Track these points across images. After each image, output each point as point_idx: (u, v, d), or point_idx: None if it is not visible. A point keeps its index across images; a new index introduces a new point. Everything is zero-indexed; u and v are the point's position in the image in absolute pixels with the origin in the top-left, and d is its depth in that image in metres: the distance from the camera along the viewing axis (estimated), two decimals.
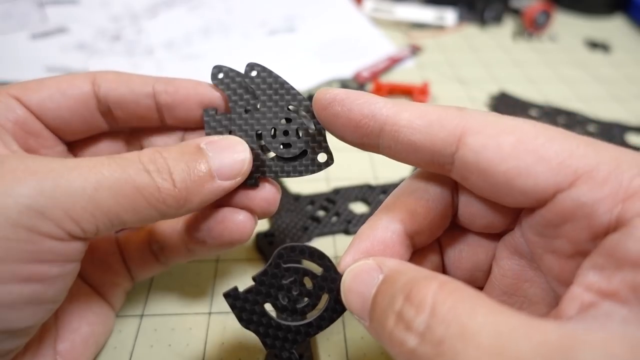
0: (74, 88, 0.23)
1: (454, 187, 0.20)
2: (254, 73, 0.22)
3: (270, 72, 0.22)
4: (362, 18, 0.65)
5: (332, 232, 0.34)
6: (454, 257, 0.22)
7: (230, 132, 0.23)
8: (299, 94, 0.22)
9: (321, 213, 0.35)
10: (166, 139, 0.25)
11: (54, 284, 0.18)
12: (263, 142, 0.23)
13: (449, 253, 0.22)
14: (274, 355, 0.21)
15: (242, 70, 0.23)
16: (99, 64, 0.52)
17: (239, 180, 0.22)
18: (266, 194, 0.23)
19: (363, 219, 0.34)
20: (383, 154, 0.20)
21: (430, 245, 0.21)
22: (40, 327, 0.21)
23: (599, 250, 0.15)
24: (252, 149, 0.22)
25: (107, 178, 0.18)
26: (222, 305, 0.29)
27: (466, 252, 0.21)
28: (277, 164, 0.23)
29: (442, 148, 0.17)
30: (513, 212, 0.19)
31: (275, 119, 0.22)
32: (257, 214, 0.23)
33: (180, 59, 0.54)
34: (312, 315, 0.20)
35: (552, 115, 0.48)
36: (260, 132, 0.23)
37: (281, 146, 0.23)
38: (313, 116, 0.22)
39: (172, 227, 0.26)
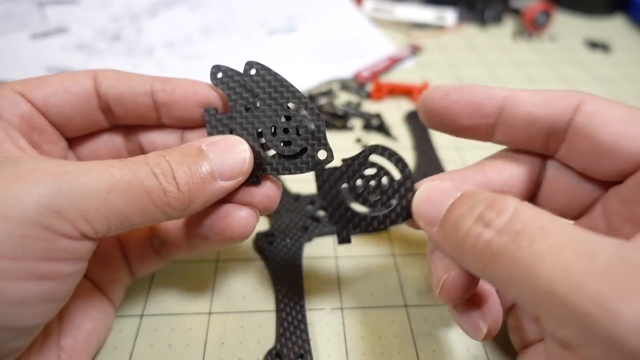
0: (77, 85, 0.23)
1: (541, 166, 0.23)
2: (253, 71, 0.23)
3: (269, 70, 0.23)
4: (362, 18, 0.65)
5: (332, 232, 0.34)
6: None
7: (231, 131, 0.23)
8: (297, 91, 0.22)
9: (321, 213, 0.35)
10: (165, 136, 0.25)
11: (65, 282, 0.19)
12: (264, 140, 0.23)
13: None
14: (337, 231, 0.24)
15: (242, 70, 0.23)
16: (99, 64, 0.52)
17: (241, 179, 0.22)
18: (267, 190, 0.23)
19: None
20: (493, 139, 0.23)
21: None
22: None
23: None
24: (253, 147, 0.23)
25: (119, 181, 0.19)
26: (222, 305, 0.29)
27: None
28: (278, 161, 0.23)
29: (559, 117, 0.20)
30: (597, 189, 0.22)
31: (275, 117, 0.23)
32: (259, 210, 0.24)
33: (180, 59, 0.54)
34: (377, 211, 0.23)
35: None
36: (260, 130, 0.23)
37: (281, 144, 0.23)
38: (312, 113, 0.22)
39: (173, 222, 0.26)
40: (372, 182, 0.23)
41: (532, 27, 0.66)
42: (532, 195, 0.23)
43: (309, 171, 0.23)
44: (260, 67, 0.22)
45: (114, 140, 0.26)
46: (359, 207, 0.23)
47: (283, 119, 0.23)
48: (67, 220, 0.18)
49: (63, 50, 0.53)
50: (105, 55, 0.53)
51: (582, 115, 0.20)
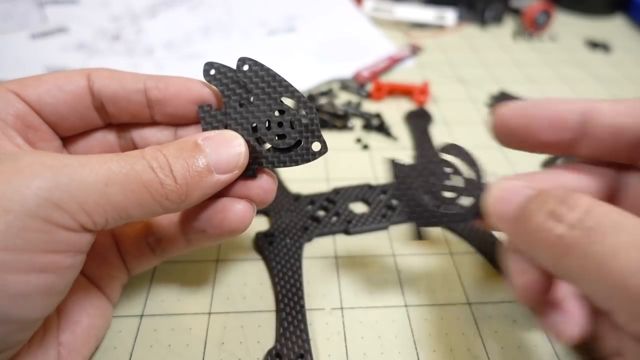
0: (71, 84, 0.23)
1: (617, 176, 0.23)
2: (245, 67, 0.23)
3: (262, 66, 0.23)
4: (362, 18, 0.65)
5: (332, 232, 0.33)
6: None
7: (226, 127, 0.23)
8: (290, 85, 0.23)
9: (321, 213, 0.35)
10: (158, 133, 0.25)
11: (65, 275, 0.19)
12: (259, 134, 0.23)
13: None
14: (416, 226, 0.24)
15: (234, 66, 0.23)
16: (99, 63, 0.52)
17: (237, 173, 0.22)
18: (264, 183, 0.24)
19: (363, 219, 0.34)
20: (576, 152, 0.22)
21: None
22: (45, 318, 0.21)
23: None
24: (248, 141, 0.23)
25: (117, 174, 0.19)
26: (222, 305, 0.29)
27: None
28: (273, 154, 0.23)
29: None
30: None
31: (269, 111, 0.23)
32: (256, 203, 0.24)
33: (180, 59, 0.54)
34: (449, 209, 0.24)
35: None
36: (255, 124, 0.23)
37: (276, 137, 0.23)
38: (305, 106, 0.23)
39: (168, 218, 0.26)
40: (447, 181, 0.24)
41: (532, 27, 0.66)
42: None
43: (304, 163, 0.23)
44: (253, 63, 0.23)
45: (108, 138, 0.26)
46: (432, 204, 0.24)
47: (277, 113, 0.23)
48: (66, 213, 0.18)
49: (63, 50, 0.53)
50: (105, 55, 0.53)
51: None
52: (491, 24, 0.69)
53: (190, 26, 0.60)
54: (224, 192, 0.23)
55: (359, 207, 0.36)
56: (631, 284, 0.15)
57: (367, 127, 0.45)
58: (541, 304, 0.21)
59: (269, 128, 0.23)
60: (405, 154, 0.42)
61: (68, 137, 0.25)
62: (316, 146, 0.23)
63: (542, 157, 0.41)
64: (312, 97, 0.49)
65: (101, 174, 0.19)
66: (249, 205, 0.24)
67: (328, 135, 0.23)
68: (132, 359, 0.25)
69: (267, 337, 0.27)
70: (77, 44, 0.54)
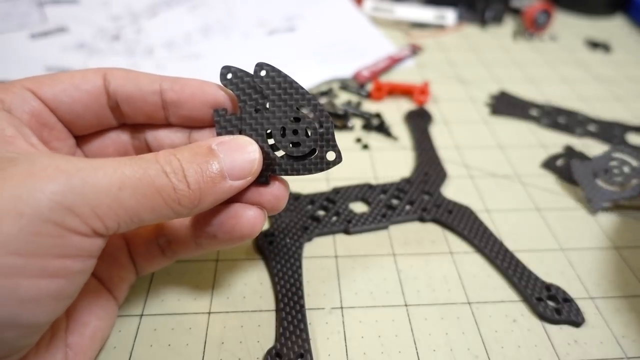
0: (87, 83, 0.23)
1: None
2: (263, 73, 0.23)
3: (279, 72, 0.23)
4: (362, 18, 0.65)
5: (332, 232, 0.33)
6: None
7: (240, 132, 0.23)
8: (307, 93, 0.23)
9: (321, 213, 0.35)
10: (172, 135, 0.25)
11: (75, 280, 0.19)
12: (273, 141, 0.23)
13: None
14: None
15: (251, 71, 0.23)
16: (99, 63, 0.52)
17: (250, 179, 0.22)
18: (276, 190, 0.24)
19: (363, 218, 0.34)
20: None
21: None
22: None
23: None
24: (262, 147, 0.23)
25: (130, 178, 0.19)
26: (222, 304, 0.29)
27: None
28: (287, 162, 0.23)
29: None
30: None
31: (285, 118, 0.23)
32: (267, 210, 0.24)
33: (180, 59, 0.54)
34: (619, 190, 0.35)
35: (553, 115, 0.48)
36: (270, 131, 0.23)
37: (290, 145, 0.23)
38: (322, 115, 0.22)
39: (180, 221, 0.26)
40: (615, 170, 0.36)
41: (533, 27, 0.66)
42: None
43: (317, 172, 0.23)
44: (270, 69, 0.23)
45: (121, 139, 0.26)
46: (600, 184, 0.36)
47: (292, 121, 0.23)
48: (78, 217, 0.18)
49: (62, 50, 0.53)
50: (104, 55, 0.53)
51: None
52: (491, 24, 0.69)
53: (190, 26, 0.60)
54: (236, 197, 0.23)
55: (359, 207, 0.36)
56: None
57: (367, 127, 0.45)
58: None
59: (283, 135, 0.23)
60: (406, 153, 0.42)
61: (82, 136, 0.25)
62: (331, 155, 0.23)
63: (542, 157, 0.41)
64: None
65: (115, 178, 0.18)
66: (261, 211, 0.24)
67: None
68: (131, 358, 0.25)
69: (267, 337, 0.27)
70: (77, 43, 0.54)
